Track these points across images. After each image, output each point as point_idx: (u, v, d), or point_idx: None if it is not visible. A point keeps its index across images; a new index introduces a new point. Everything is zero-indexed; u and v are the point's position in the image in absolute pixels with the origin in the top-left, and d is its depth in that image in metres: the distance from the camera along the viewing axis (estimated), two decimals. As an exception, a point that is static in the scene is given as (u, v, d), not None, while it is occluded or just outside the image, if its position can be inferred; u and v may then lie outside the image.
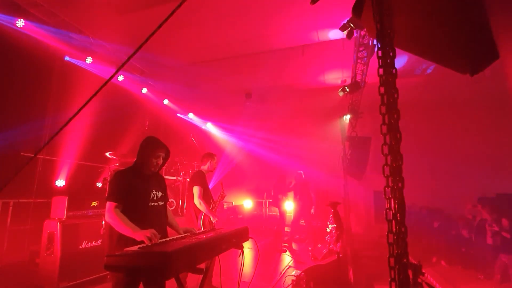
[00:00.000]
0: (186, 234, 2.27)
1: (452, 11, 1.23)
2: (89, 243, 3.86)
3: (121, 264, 1.54)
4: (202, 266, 2.00)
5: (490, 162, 7.85)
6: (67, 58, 6.24)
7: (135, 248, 1.68)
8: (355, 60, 5.42)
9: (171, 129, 9.63)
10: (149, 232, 1.88)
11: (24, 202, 5.32)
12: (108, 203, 2.07)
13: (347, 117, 7.06)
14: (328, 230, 5.56)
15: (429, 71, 6.94)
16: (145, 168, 2.29)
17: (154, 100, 8.68)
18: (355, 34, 4.53)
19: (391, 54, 1.11)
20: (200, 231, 2.55)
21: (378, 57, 1.12)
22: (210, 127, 10.88)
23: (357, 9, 1.40)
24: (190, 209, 3.80)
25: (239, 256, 2.28)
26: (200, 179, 3.79)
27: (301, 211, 7.27)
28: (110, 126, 7.05)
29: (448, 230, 6.43)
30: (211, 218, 3.70)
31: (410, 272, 1.09)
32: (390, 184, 1.05)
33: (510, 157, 7.64)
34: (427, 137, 8.41)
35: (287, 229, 7.47)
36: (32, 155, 4.20)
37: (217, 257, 2.15)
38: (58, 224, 3.57)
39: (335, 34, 5.88)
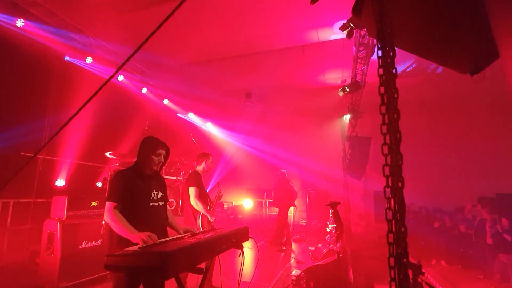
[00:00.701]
0: (186, 234, 2.27)
1: (452, 11, 1.23)
2: (89, 243, 3.86)
3: (121, 264, 1.54)
4: (202, 266, 2.00)
5: (490, 162, 7.85)
6: (67, 58, 6.23)
7: (135, 248, 1.68)
8: (355, 60, 5.42)
9: (171, 129, 9.61)
10: (145, 234, 1.87)
11: (24, 202, 5.32)
12: (107, 203, 2.06)
13: (347, 117, 7.07)
14: (328, 230, 5.57)
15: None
16: (146, 168, 2.28)
17: (154, 100, 8.68)
18: (355, 34, 4.53)
19: (391, 54, 1.12)
20: (200, 231, 2.54)
21: (378, 57, 1.13)
22: (210, 127, 10.87)
23: (357, 9, 1.40)
24: (188, 210, 3.80)
25: (239, 256, 2.28)
26: (196, 179, 3.79)
27: (285, 207, 6.98)
28: (110, 126, 7.04)
29: (448, 230, 6.44)
30: (209, 218, 3.72)
31: (410, 272, 1.09)
32: (390, 184, 1.05)
33: (510, 157, 7.64)
34: (427, 137, 8.40)
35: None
36: (32, 155, 4.20)
37: (217, 257, 2.15)
38: (58, 224, 3.57)
39: (335, 34, 5.88)
